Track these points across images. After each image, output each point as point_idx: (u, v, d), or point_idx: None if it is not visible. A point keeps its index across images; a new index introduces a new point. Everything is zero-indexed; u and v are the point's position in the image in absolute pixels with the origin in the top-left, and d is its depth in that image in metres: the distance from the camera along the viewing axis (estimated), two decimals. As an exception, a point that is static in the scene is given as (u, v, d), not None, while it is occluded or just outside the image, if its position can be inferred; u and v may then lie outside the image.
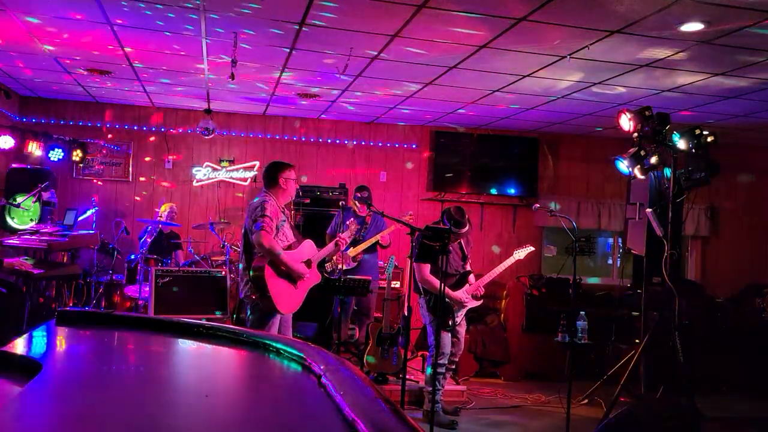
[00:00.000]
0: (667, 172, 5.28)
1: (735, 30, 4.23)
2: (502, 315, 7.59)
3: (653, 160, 5.23)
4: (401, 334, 5.72)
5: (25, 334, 1.95)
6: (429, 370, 5.17)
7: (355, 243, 6.19)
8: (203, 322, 2.12)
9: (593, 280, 8.72)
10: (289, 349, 1.76)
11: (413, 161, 8.51)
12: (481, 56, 5.10)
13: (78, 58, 5.82)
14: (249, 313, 4.39)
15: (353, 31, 4.64)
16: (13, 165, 7.19)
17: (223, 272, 6.42)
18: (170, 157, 8.05)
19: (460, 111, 7.35)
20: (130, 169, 8.00)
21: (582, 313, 5.44)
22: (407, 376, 4.92)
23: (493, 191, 8.45)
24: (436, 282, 4.99)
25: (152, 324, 2.24)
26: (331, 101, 7.18)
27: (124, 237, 7.19)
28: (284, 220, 4.34)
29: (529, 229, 8.54)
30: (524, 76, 5.68)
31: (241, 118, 8.22)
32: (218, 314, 6.19)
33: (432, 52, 5.06)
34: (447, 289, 4.96)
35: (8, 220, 6.79)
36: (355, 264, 6.36)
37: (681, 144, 5.15)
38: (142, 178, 8.04)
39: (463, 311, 5.29)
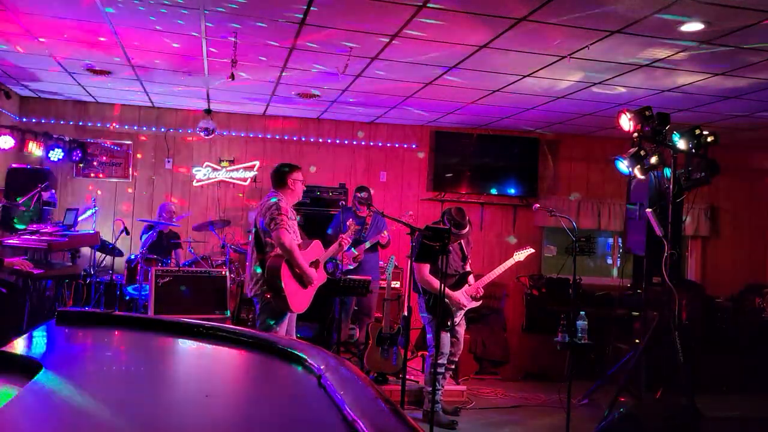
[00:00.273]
0: (667, 172, 5.28)
1: (735, 30, 4.23)
2: (502, 315, 7.59)
3: (653, 160, 5.23)
4: (401, 334, 5.73)
5: (25, 334, 1.95)
6: (429, 370, 5.17)
7: (356, 243, 6.20)
8: (203, 322, 2.12)
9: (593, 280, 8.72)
10: (289, 349, 1.76)
11: (413, 161, 8.51)
12: (481, 56, 5.10)
13: (78, 58, 5.82)
14: (258, 312, 4.40)
15: (353, 31, 4.64)
16: (13, 165, 7.18)
17: (223, 272, 6.42)
18: (170, 158, 8.05)
19: (460, 111, 7.35)
20: (130, 169, 8.00)
21: (582, 313, 5.43)
22: (407, 376, 4.92)
23: (493, 191, 8.45)
24: (435, 282, 4.99)
25: (152, 324, 2.24)
26: (331, 101, 7.18)
27: (124, 237, 7.19)
28: (294, 220, 4.43)
29: (529, 229, 8.54)
30: (524, 76, 5.68)
31: (241, 118, 8.22)
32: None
33: (432, 52, 5.06)
34: (447, 289, 4.96)
35: (8, 220, 6.78)
36: (356, 265, 6.36)
37: (681, 144, 5.15)
38: (142, 178, 8.03)
39: (462, 311, 5.29)
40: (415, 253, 5.01)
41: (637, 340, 5.80)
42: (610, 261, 9.17)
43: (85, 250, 7.01)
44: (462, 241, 5.29)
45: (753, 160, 8.82)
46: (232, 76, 5.42)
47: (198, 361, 1.98)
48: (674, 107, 6.37)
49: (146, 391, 1.49)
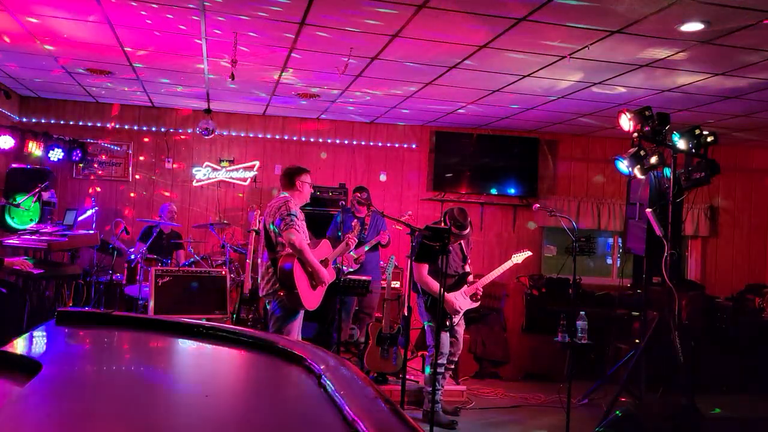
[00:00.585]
0: (667, 172, 5.28)
1: (735, 30, 4.24)
2: (502, 315, 7.59)
3: (653, 160, 5.23)
4: (401, 334, 5.73)
5: (25, 334, 1.95)
6: (428, 370, 5.17)
7: (357, 244, 6.20)
8: (203, 322, 2.12)
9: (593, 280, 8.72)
10: (289, 349, 1.76)
11: (413, 161, 8.51)
12: (481, 56, 5.10)
13: (78, 58, 5.82)
14: (271, 311, 4.55)
15: (353, 31, 4.64)
16: (13, 165, 7.18)
17: (223, 272, 6.42)
18: (170, 158, 8.06)
19: (460, 111, 7.35)
20: (130, 169, 8.00)
21: (582, 313, 5.44)
22: (407, 376, 4.92)
23: (493, 191, 8.45)
24: (433, 284, 5.00)
25: (152, 324, 2.24)
26: (331, 101, 7.18)
27: (124, 237, 7.20)
28: (303, 221, 4.56)
29: (529, 229, 8.54)
30: (524, 76, 5.68)
31: (241, 118, 8.22)
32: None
33: (432, 52, 5.06)
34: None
35: (8, 220, 6.78)
36: (358, 266, 6.36)
37: (681, 144, 5.15)
38: (141, 178, 8.03)
39: (461, 312, 5.29)
40: (414, 252, 5.01)
41: (637, 340, 5.79)
42: (610, 261, 9.17)
43: (85, 250, 7.01)
44: (462, 241, 5.29)
45: (753, 160, 8.83)
46: (232, 76, 5.42)
47: (198, 361, 1.98)
48: (674, 107, 6.37)
49: (146, 391, 1.49)
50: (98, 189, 7.91)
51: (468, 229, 5.13)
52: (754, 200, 8.90)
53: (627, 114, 5.08)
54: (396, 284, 6.87)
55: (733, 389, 6.65)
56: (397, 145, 8.50)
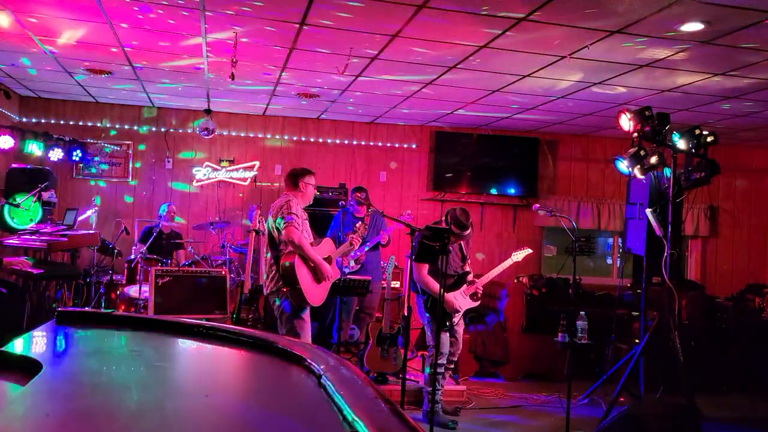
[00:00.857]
0: (667, 172, 5.28)
1: (735, 30, 4.23)
2: (502, 315, 7.58)
3: (653, 160, 5.23)
4: (401, 334, 5.72)
5: (25, 334, 1.94)
6: (428, 370, 5.17)
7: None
8: (203, 322, 2.12)
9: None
10: (289, 349, 1.76)
11: (413, 161, 8.51)
12: (481, 56, 5.10)
13: (78, 58, 5.82)
14: (276, 309, 4.59)
15: (353, 31, 4.64)
16: (13, 165, 7.19)
17: (223, 272, 6.42)
18: (170, 158, 8.05)
19: (460, 111, 7.35)
20: (130, 169, 8.00)
21: (582, 313, 5.44)
22: (407, 376, 4.92)
23: (493, 191, 8.45)
24: (432, 283, 4.99)
25: (152, 324, 2.24)
26: (331, 101, 7.18)
27: (124, 237, 7.19)
28: (305, 220, 4.64)
29: (529, 229, 8.54)
30: (524, 76, 5.68)
31: (241, 118, 8.22)
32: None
33: (432, 52, 5.06)
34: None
35: (8, 220, 6.78)
36: (359, 267, 6.36)
37: (681, 144, 5.15)
38: (142, 178, 8.03)
39: (461, 312, 5.29)
40: (414, 252, 5.00)
41: (637, 340, 5.79)
42: (610, 261, 9.17)
43: (85, 250, 7.01)
44: (462, 242, 5.29)
45: (753, 160, 8.83)
46: (232, 76, 5.42)
47: (198, 361, 1.98)
48: (674, 107, 6.37)
49: (146, 391, 1.49)
50: (98, 189, 7.91)
51: (469, 230, 5.13)
52: (754, 200, 8.90)
53: (627, 114, 5.08)
54: (396, 284, 6.87)
55: (733, 389, 6.65)
56: (397, 145, 8.50)
